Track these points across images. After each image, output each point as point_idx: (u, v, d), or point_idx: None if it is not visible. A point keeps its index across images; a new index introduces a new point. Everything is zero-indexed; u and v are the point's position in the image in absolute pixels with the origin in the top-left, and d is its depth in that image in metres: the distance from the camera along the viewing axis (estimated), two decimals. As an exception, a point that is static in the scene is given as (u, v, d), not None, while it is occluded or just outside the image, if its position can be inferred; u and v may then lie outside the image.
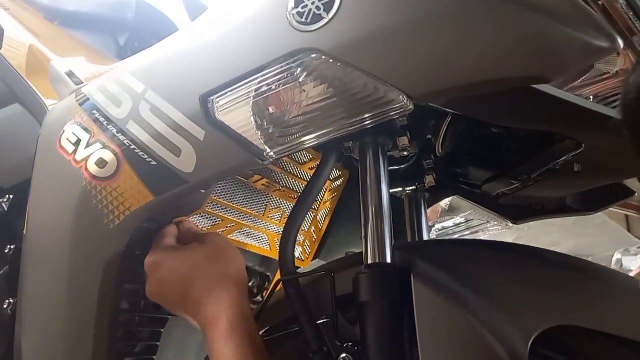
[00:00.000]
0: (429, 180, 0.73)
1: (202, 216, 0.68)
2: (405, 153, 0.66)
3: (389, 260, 0.52)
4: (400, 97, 0.43)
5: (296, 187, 0.79)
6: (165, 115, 0.51)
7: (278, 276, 0.81)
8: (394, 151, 0.63)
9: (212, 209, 0.69)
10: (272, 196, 0.77)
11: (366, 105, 0.45)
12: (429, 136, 0.71)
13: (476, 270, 0.49)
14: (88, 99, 0.61)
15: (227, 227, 0.72)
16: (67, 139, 0.60)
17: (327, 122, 0.47)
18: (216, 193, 0.68)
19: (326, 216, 0.87)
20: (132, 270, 0.64)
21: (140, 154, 0.52)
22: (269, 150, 0.49)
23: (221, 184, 0.68)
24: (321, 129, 0.48)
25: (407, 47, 0.41)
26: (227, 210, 0.71)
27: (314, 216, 0.84)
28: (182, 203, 0.60)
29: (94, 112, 0.58)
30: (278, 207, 0.79)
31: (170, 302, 0.58)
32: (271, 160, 0.50)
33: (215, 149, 0.49)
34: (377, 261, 0.51)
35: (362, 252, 0.54)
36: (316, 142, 0.49)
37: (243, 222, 0.74)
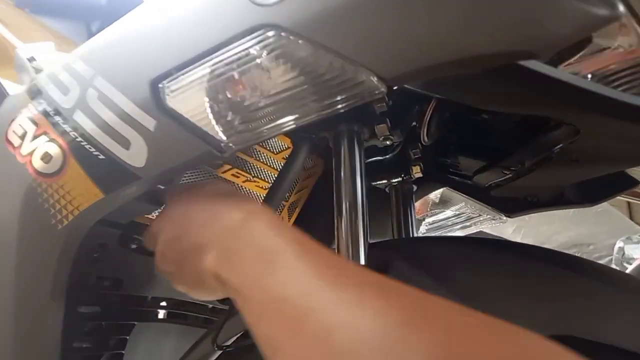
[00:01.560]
0: (416, 171, 0.68)
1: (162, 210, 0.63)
2: (388, 142, 0.61)
3: (362, 261, 0.47)
4: (371, 78, 0.37)
5: (268, 177, 0.74)
6: (113, 103, 0.46)
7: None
8: (374, 140, 0.58)
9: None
10: (242, 186, 0.72)
11: (334, 87, 0.40)
12: (413, 123, 0.66)
13: (461, 273, 0.44)
14: (38, 88, 0.55)
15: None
16: (14, 132, 0.55)
17: (292, 108, 0.42)
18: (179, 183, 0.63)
19: (295, 208, 0.82)
20: (92, 274, 0.60)
21: (87, 147, 0.47)
22: (226, 140, 0.44)
23: (185, 174, 0.63)
24: (286, 116, 0.43)
25: (376, 20, 0.35)
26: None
27: (283, 207, 0.80)
28: (142, 199, 0.55)
29: (42, 101, 0.53)
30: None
31: (192, 222, 0.43)
32: (231, 151, 0.45)
33: (167, 140, 0.44)
34: (352, 262, 0.47)
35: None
36: (281, 131, 0.44)
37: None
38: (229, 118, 0.43)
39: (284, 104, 0.42)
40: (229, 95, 0.43)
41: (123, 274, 0.62)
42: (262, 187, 0.74)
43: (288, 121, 0.43)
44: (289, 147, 0.74)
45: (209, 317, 0.79)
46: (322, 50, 0.38)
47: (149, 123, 0.44)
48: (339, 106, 0.41)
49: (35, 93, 0.56)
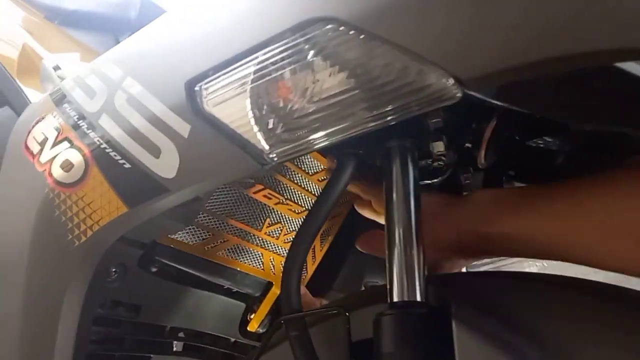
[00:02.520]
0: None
1: (186, 230, 0.58)
2: (440, 163, 0.56)
3: (419, 297, 0.41)
4: (444, 80, 0.32)
5: (302, 201, 0.69)
6: (143, 107, 0.42)
7: (269, 299, 0.71)
8: (425, 160, 0.53)
9: (201, 220, 0.59)
10: (273, 209, 0.67)
11: (394, 92, 0.35)
12: (467, 144, 0.60)
13: (537, 318, 0.38)
14: (62, 92, 0.52)
15: (216, 244, 0.62)
16: (34, 138, 0.51)
17: (344, 115, 0.37)
18: (207, 202, 0.58)
19: (328, 236, 0.77)
20: (108, 297, 0.55)
21: (112, 154, 0.43)
22: (269, 150, 0.39)
23: (214, 192, 0.59)
24: (337, 124, 0.38)
25: (455, 10, 0.31)
26: (218, 224, 0.61)
27: None
28: (168, 216, 0.50)
29: (65, 105, 0.49)
30: (279, 222, 0.69)
31: None
32: (273, 163, 0.40)
33: (202, 149, 0.40)
34: (405, 298, 0.41)
35: (385, 284, 0.43)
36: (329, 142, 0.39)
37: (236, 238, 0.64)
38: (272, 125, 0.39)
39: (334, 110, 0.38)
40: (274, 100, 0.38)
41: (141, 299, 0.57)
42: (294, 211, 0.69)
43: (336, 131, 0.39)
44: (324, 169, 0.70)
45: (229, 352, 0.73)
46: (386, 47, 0.33)
47: (183, 129, 0.40)
48: (396, 115, 0.37)
49: (59, 98, 0.52)
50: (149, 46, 0.46)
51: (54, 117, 0.51)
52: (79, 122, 0.47)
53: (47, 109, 0.53)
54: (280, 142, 0.39)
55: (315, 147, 0.39)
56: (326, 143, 0.39)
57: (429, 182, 0.63)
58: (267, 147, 0.39)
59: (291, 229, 0.71)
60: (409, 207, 0.45)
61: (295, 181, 0.68)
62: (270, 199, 0.64)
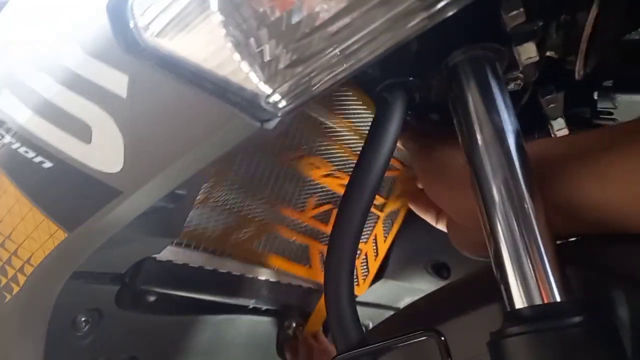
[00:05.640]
0: (559, 126, 0.47)
1: (199, 211, 0.43)
2: (518, 82, 0.41)
3: (558, 296, 0.26)
4: None
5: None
6: (57, 66, 0.26)
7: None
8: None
9: (217, 198, 0.43)
10: (319, 184, 0.51)
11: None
12: (549, 52, 0.44)
13: None
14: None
15: (243, 233, 0.47)
16: None
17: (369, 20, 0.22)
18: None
19: (394, 222, 0.61)
20: (83, 357, 0.40)
21: (22, 151, 0.28)
22: (271, 92, 0.23)
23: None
24: (361, 35, 0.22)
25: None
26: (244, 203, 0.46)
27: (377, 219, 0.59)
28: (139, 230, 0.35)
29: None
30: (329, 202, 0.53)
31: None
32: (279, 116, 0.25)
33: (155, 113, 0.24)
34: (535, 301, 0.26)
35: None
36: (366, 60, 0.24)
37: (271, 223, 0.49)
38: (269, 53, 0.23)
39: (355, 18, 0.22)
40: (266, 8, 0.23)
41: (135, 348, 0.43)
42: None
43: (367, 49, 0.23)
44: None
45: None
46: None
47: (117, 84, 0.24)
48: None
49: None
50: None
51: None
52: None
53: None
54: (285, 79, 0.23)
55: (347, 72, 0.24)
56: (360, 64, 0.24)
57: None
58: (267, 89, 0.23)
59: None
60: (505, 146, 0.29)
61: (345, 143, 0.50)
62: (313, 167, 0.49)
